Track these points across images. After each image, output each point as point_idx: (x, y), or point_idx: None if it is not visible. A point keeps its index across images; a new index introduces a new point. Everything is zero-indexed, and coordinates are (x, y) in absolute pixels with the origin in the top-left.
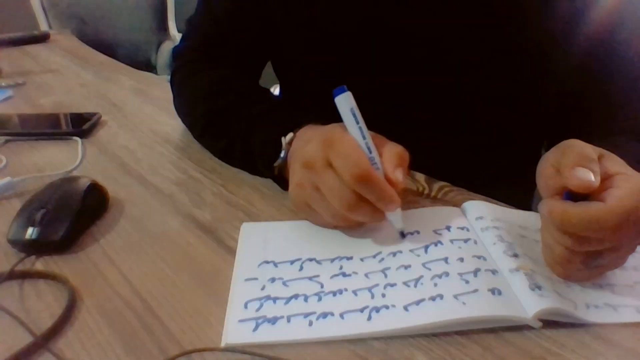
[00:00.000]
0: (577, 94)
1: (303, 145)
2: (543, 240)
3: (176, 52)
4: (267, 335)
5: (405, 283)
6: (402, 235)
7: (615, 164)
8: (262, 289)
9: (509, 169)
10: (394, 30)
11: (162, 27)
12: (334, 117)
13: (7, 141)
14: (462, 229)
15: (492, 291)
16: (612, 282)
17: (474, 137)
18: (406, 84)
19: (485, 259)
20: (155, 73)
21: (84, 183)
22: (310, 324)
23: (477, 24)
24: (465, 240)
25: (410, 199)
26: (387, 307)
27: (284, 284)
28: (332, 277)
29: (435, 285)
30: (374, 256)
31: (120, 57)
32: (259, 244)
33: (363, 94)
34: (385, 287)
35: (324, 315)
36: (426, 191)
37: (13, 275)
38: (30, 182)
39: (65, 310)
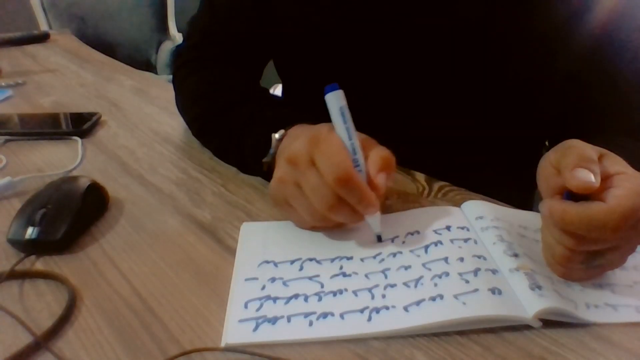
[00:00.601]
0: (579, 94)
1: (291, 142)
2: (543, 240)
3: (178, 50)
4: (267, 335)
5: (405, 283)
6: (379, 239)
7: (615, 163)
8: (262, 288)
9: (510, 169)
10: (395, 28)
11: (162, 27)
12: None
13: (7, 141)
14: (462, 228)
15: (492, 291)
16: (612, 282)
17: (474, 136)
18: (407, 83)
19: (485, 259)
20: (155, 73)
21: (84, 183)
22: (311, 324)
23: (478, 23)
24: (466, 240)
25: (410, 199)
26: (387, 308)
27: (284, 283)
28: (332, 277)
29: (436, 285)
30: (374, 257)
31: (120, 57)
32: (259, 243)
33: (364, 93)
34: (385, 288)
35: (324, 315)
36: (426, 191)
37: (13, 275)
38: (30, 182)
39: (65, 310)
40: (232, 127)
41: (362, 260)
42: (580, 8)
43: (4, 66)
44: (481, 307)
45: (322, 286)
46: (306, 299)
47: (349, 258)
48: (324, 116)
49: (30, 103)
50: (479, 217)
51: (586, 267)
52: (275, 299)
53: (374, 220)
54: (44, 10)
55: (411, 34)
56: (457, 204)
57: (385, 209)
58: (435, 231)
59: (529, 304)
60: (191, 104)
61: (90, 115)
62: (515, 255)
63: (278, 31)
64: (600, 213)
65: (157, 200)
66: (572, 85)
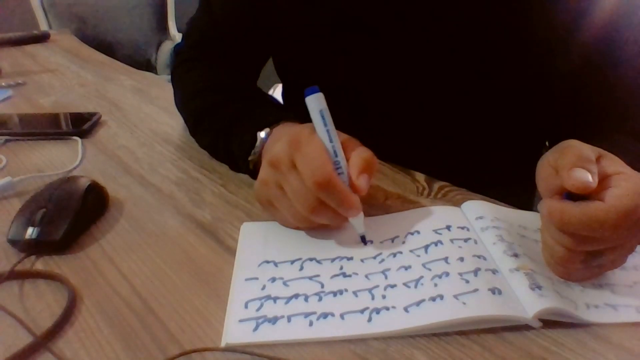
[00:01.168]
0: (580, 93)
1: (274, 142)
2: (543, 240)
3: (176, 49)
4: (267, 335)
5: (405, 284)
6: (363, 240)
7: (614, 163)
8: (263, 288)
9: (510, 169)
10: (395, 29)
11: (162, 27)
12: (334, 116)
13: (7, 141)
14: (463, 228)
15: (493, 291)
16: (612, 282)
17: (474, 136)
18: (406, 83)
19: (485, 259)
20: (155, 73)
21: (83, 183)
22: (311, 324)
23: (479, 22)
24: (466, 240)
25: (410, 199)
26: (387, 308)
27: (285, 283)
28: (332, 277)
29: (436, 285)
30: (374, 257)
31: (120, 57)
32: (259, 243)
33: (363, 93)
34: (385, 289)
35: (325, 315)
36: (426, 191)
37: (13, 275)
38: (30, 182)
39: (65, 310)
40: (222, 125)
41: (362, 260)
42: (580, 9)
43: (4, 66)
44: (481, 307)
45: (323, 286)
46: (306, 299)
47: (349, 258)
48: None
49: (30, 103)
50: (479, 217)
51: (586, 267)
52: (275, 299)
53: (357, 222)
54: (44, 10)
55: (410, 34)
56: (457, 204)
57: (385, 209)
58: (435, 231)
59: (529, 304)
60: (186, 102)
61: (90, 115)
62: (515, 256)
63: (276, 32)
64: (599, 212)
65: (157, 200)
66: (571, 85)
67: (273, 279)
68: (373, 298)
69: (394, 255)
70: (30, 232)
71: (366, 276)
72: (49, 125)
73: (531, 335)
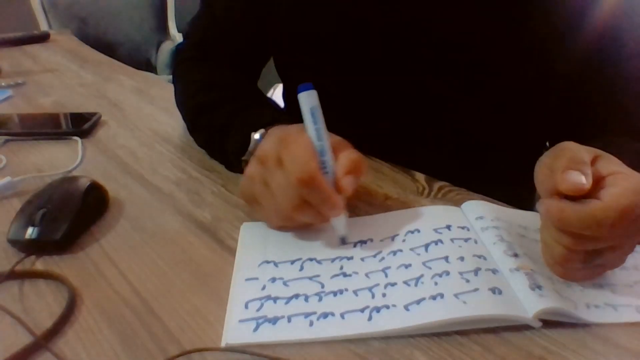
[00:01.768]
0: (580, 93)
1: (266, 140)
2: (542, 240)
3: (178, 49)
4: (267, 335)
5: (405, 282)
6: (343, 242)
7: (611, 164)
8: (263, 288)
9: (510, 169)
10: (394, 29)
11: (162, 27)
12: (334, 115)
13: (7, 141)
14: (463, 228)
15: (493, 290)
16: (612, 281)
17: (474, 136)
18: (406, 83)
19: (485, 259)
20: (155, 73)
21: (84, 183)
22: (311, 324)
23: (478, 21)
24: (466, 240)
25: (410, 199)
26: (387, 307)
27: (285, 283)
28: (332, 277)
29: (436, 284)
30: (374, 255)
31: (120, 57)
32: (259, 243)
33: (363, 93)
34: (385, 287)
35: (325, 315)
36: (426, 191)
37: (13, 275)
38: (30, 182)
39: (65, 310)
40: (218, 124)
41: (362, 259)
42: (579, 9)
43: (4, 66)
44: (481, 306)
45: (323, 286)
46: (306, 299)
47: (350, 258)
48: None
49: (30, 103)
50: (479, 217)
51: (586, 267)
52: (275, 299)
53: (339, 223)
54: (44, 10)
55: (409, 34)
56: (457, 204)
57: (385, 209)
58: (435, 230)
59: (529, 303)
60: (185, 100)
61: (90, 115)
62: (516, 255)
63: (277, 32)
64: (597, 211)
65: (157, 200)
66: (571, 85)
67: (273, 279)
68: (373, 297)
69: (394, 253)
70: (30, 232)
71: (366, 275)
72: (49, 125)
73: (531, 335)
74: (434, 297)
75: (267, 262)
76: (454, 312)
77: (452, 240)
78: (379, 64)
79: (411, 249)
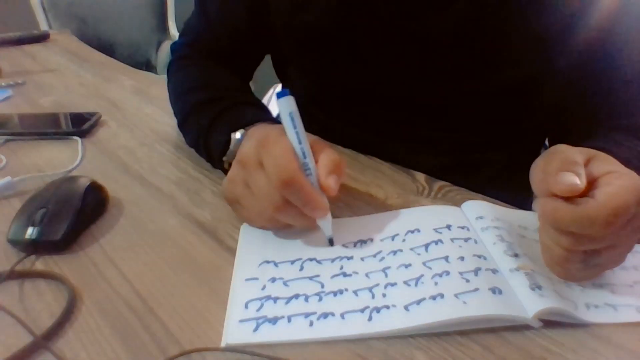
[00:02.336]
0: (577, 92)
1: (245, 142)
2: (541, 241)
3: (172, 48)
4: (267, 335)
5: (405, 282)
6: (331, 243)
7: (605, 163)
8: (263, 288)
9: (509, 169)
10: (392, 28)
11: (162, 27)
12: (334, 114)
13: (7, 141)
14: (463, 228)
15: (493, 290)
16: (612, 282)
17: (473, 136)
18: (405, 83)
19: (485, 259)
20: (156, 73)
21: (83, 183)
22: (311, 324)
23: (477, 21)
24: (466, 240)
25: (410, 199)
26: (387, 307)
27: (285, 284)
28: (332, 277)
29: (436, 284)
30: (374, 255)
31: (120, 57)
32: (259, 243)
33: (361, 92)
34: (385, 287)
35: (325, 315)
36: (426, 191)
37: (13, 275)
38: (30, 182)
39: (65, 310)
40: (203, 123)
41: (362, 259)
42: (576, 8)
43: (4, 66)
44: (482, 306)
45: (323, 286)
46: (307, 299)
47: (350, 258)
48: (320, 117)
49: (30, 103)
50: (479, 217)
51: (585, 267)
52: (275, 299)
53: (325, 224)
54: (44, 10)
55: (408, 33)
56: (457, 204)
57: (385, 209)
58: (435, 230)
59: (529, 304)
60: (175, 99)
61: (90, 115)
62: (516, 256)
63: (273, 32)
64: (591, 209)
65: (157, 200)
66: (568, 82)
67: (273, 279)
68: (373, 297)
69: (394, 253)
70: (30, 232)
71: (366, 275)
72: (49, 125)
73: (531, 335)
74: (434, 297)
75: (267, 262)
76: (454, 312)
77: (452, 240)
78: (377, 63)
79: (411, 249)
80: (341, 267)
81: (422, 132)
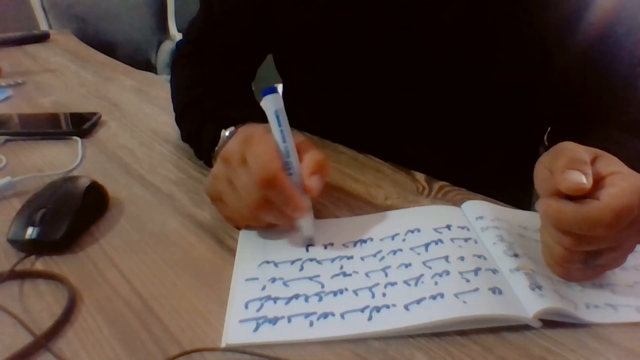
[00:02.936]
0: (577, 88)
1: (232, 140)
2: (542, 240)
3: (177, 46)
4: (267, 335)
5: (405, 282)
6: (310, 243)
7: (611, 163)
8: (263, 289)
9: (508, 168)
10: (392, 26)
11: (162, 27)
12: (335, 113)
13: (7, 141)
14: (463, 228)
15: (493, 290)
16: (612, 282)
17: (473, 135)
18: (405, 82)
19: (485, 259)
20: (155, 73)
21: (83, 183)
22: (311, 324)
23: (476, 20)
24: (466, 240)
25: (410, 199)
26: (387, 306)
27: (285, 284)
28: (332, 277)
29: (436, 283)
30: (375, 255)
31: (120, 57)
32: (259, 244)
33: (361, 90)
34: (385, 286)
35: (325, 315)
36: (426, 191)
37: (13, 275)
38: (30, 182)
39: (65, 310)
40: (197, 119)
41: (362, 258)
42: (576, 5)
43: (4, 66)
44: (482, 306)
45: (323, 286)
46: (307, 299)
47: (350, 257)
48: (322, 113)
49: (30, 103)
50: (479, 217)
51: (585, 267)
52: (275, 299)
53: (305, 224)
54: (44, 10)
55: (407, 31)
56: (457, 204)
57: (385, 209)
58: (435, 229)
59: (529, 304)
60: (175, 95)
61: (90, 115)
62: (516, 256)
63: (275, 31)
64: (594, 211)
65: (157, 200)
66: (568, 81)
67: (273, 279)
68: (373, 296)
69: (394, 252)
70: (30, 232)
71: (366, 274)
72: (49, 125)
73: (531, 335)
74: (434, 297)
75: (267, 262)
76: (454, 311)
77: (452, 240)
78: (377, 62)
79: (411, 249)
80: (341, 267)
81: (423, 127)
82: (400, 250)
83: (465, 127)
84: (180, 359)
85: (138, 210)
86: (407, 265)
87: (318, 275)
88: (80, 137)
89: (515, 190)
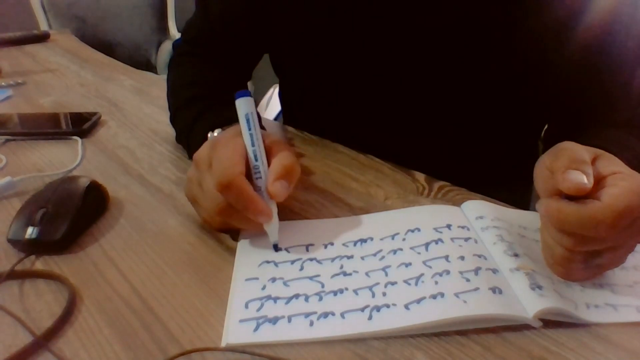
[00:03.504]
0: (576, 88)
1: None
2: (542, 240)
3: (173, 45)
4: (267, 335)
5: (406, 281)
6: (275, 248)
7: (611, 163)
8: (263, 288)
9: (507, 168)
10: (391, 25)
11: (162, 27)
12: (334, 112)
13: (7, 141)
14: (463, 227)
15: (493, 290)
16: (613, 281)
17: (472, 134)
18: (404, 82)
19: (485, 258)
20: (155, 73)
21: (83, 183)
22: (311, 324)
23: (474, 19)
24: (466, 239)
25: (410, 199)
26: (387, 306)
27: (285, 283)
28: (332, 276)
29: (436, 283)
30: (375, 254)
31: (120, 57)
32: (259, 243)
33: (360, 91)
34: (386, 286)
35: (325, 315)
36: (426, 191)
37: (13, 275)
38: (30, 181)
39: (65, 310)
40: (187, 120)
41: (362, 258)
42: (574, 5)
43: (4, 66)
44: (482, 306)
45: (323, 286)
46: (307, 299)
47: (350, 257)
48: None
49: (30, 103)
50: (479, 217)
51: (586, 267)
52: (275, 299)
53: (270, 229)
54: (44, 10)
55: (407, 30)
56: (457, 203)
57: (385, 209)
58: (435, 229)
59: (529, 303)
60: (170, 95)
61: (90, 115)
62: (516, 255)
63: (271, 31)
64: (595, 211)
65: (157, 200)
66: (566, 79)
67: (273, 279)
68: (373, 296)
69: (395, 252)
70: (30, 231)
71: (366, 274)
72: (49, 125)
73: (531, 335)
74: (434, 296)
75: (267, 262)
76: (454, 311)
77: (452, 239)
78: (375, 61)
79: (411, 248)
80: (341, 267)
81: (422, 126)
82: (401, 249)
83: (465, 127)
84: (180, 359)
85: (138, 210)
86: (407, 265)
87: (318, 275)
88: (80, 137)
89: (515, 190)
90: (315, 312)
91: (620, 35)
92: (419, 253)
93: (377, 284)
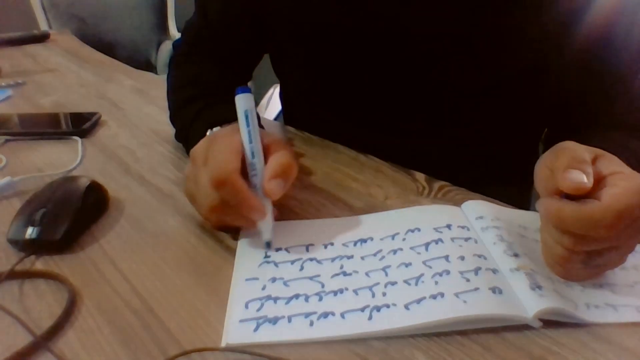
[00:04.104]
0: (575, 89)
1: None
2: (542, 240)
3: (173, 45)
4: (267, 335)
5: (406, 281)
6: (268, 246)
7: (611, 164)
8: (263, 288)
9: (507, 168)
10: (390, 26)
11: (162, 27)
12: (334, 112)
13: (7, 141)
14: (463, 227)
15: (493, 290)
16: (613, 281)
17: (472, 134)
18: (404, 83)
19: (485, 258)
20: (155, 73)
21: (83, 183)
22: (311, 324)
23: (474, 19)
24: (466, 239)
25: (410, 199)
26: (388, 306)
27: (285, 283)
28: (332, 276)
29: (436, 283)
30: (375, 254)
31: (120, 57)
32: (259, 243)
33: (360, 91)
34: (386, 286)
35: (325, 315)
36: (426, 191)
37: (13, 275)
38: (30, 182)
39: (65, 310)
40: (186, 120)
41: (362, 258)
42: (574, 5)
43: (4, 66)
44: (482, 306)
45: (323, 286)
46: (307, 299)
47: (350, 257)
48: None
49: (30, 103)
50: (479, 217)
51: (586, 267)
52: (275, 299)
53: (264, 227)
54: (44, 10)
55: (407, 31)
56: (457, 203)
57: (385, 209)
58: (435, 229)
59: (529, 303)
60: (169, 96)
61: (90, 115)
62: (516, 255)
63: (271, 31)
64: (595, 211)
65: (157, 200)
66: (566, 80)
67: (273, 279)
68: (373, 296)
69: (395, 252)
70: (30, 231)
71: (366, 274)
72: (49, 125)
73: (531, 335)
74: (434, 296)
75: (267, 262)
76: (454, 311)
77: (452, 239)
78: (375, 61)
79: (411, 248)
80: (341, 266)
81: (422, 126)
82: (401, 249)
83: (465, 127)
84: (180, 359)
85: (138, 210)
86: (407, 265)
87: (318, 275)
88: (80, 137)
89: (515, 190)
90: (315, 312)
91: (620, 38)
92: (419, 253)
93: (377, 284)
